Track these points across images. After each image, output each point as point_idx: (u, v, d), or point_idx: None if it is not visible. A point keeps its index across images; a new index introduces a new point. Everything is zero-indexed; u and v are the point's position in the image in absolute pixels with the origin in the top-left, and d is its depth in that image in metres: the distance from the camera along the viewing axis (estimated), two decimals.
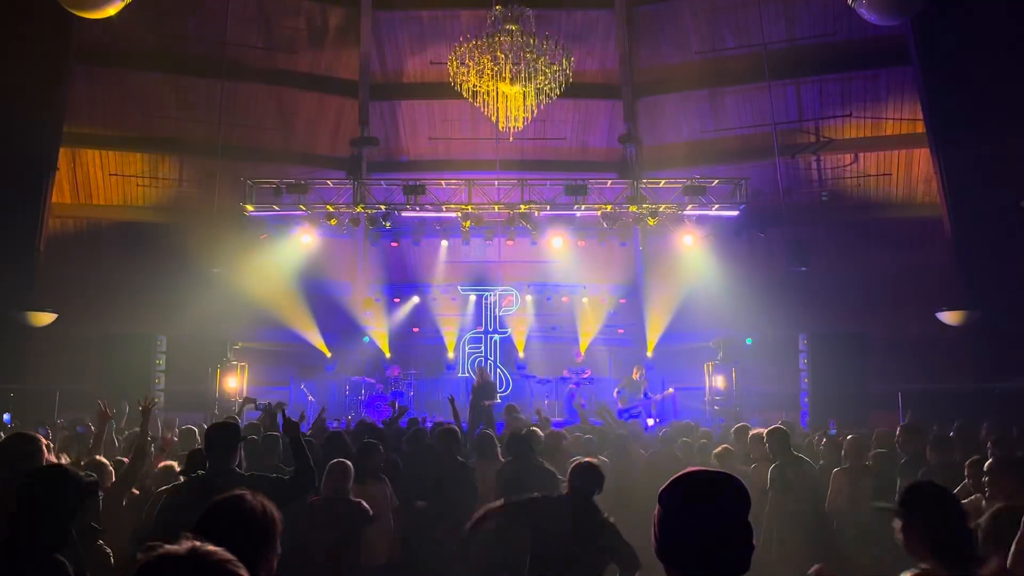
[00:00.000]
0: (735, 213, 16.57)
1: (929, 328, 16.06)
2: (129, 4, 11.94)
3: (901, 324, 16.78)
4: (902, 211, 17.44)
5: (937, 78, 15.13)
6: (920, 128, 16.16)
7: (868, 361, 14.69)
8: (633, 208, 16.42)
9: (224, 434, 4.58)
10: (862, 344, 14.85)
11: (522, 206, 16.27)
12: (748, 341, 16.60)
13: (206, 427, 5.69)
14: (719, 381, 16.44)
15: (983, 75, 14.64)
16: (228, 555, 1.42)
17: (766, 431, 6.53)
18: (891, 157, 17.23)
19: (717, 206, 16.49)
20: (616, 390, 16.01)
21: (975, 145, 14.93)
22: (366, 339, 18.78)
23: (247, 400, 11.35)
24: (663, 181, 17.07)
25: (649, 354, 18.65)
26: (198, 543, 1.42)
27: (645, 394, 16.11)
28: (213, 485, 4.11)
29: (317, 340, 18.46)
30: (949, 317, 15.65)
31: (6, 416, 11.75)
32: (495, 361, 18.83)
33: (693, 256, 18.05)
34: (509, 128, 14.47)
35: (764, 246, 18.01)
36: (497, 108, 14.40)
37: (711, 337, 17.28)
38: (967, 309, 15.47)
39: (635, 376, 16.15)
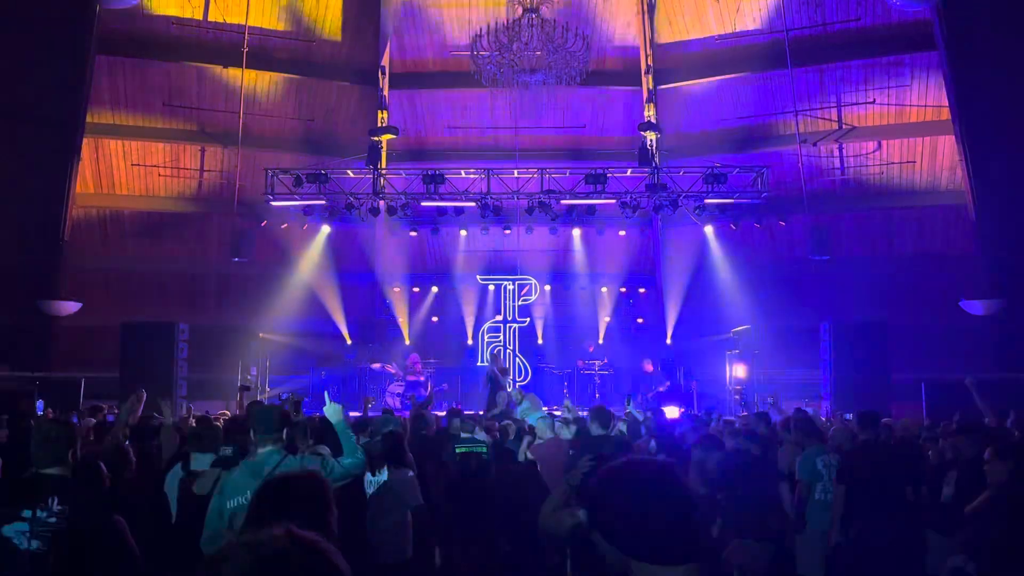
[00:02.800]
0: (756, 201, 16.44)
1: (953, 317, 15.92)
2: None
3: (924, 312, 16.63)
4: (926, 199, 17.25)
5: (963, 63, 14.91)
6: (945, 115, 15.94)
7: (890, 350, 14.54)
8: (653, 197, 16.33)
9: (272, 415, 4.60)
10: (884, 333, 14.70)
11: (541, 195, 16.22)
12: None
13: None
14: (740, 371, 16.37)
15: (1010, 60, 14.42)
16: (319, 537, 1.42)
17: (793, 418, 6.49)
18: (915, 144, 17.03)
19: (737, 194, 16.37)
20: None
21: (1002, 131, 14.72)
22: (384, 316, 18.84)
23: (243, 387, 11.47)
24: (683, 169, 16.97)
25: (668, 343, 18.61)
26: (292, 527, 1.41)
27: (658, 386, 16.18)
28: (263, 464, 4.18)
29: (337, 329, 18.57)
30: (974, 306, 15.51)
31: (39, 403, 11.91)
32: (513, 350, 18.83)
33: (712, 245, 18.00)
34: (528, 116, 14.47)
35: (785, 234, 17.89)
36: (517, 96, 14.40)
37: (731, 326, 17.21)
38: (992, 297, 15.32)
39: (648, 369, 16.16)
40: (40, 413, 11.00)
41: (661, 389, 16.20)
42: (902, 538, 5.48)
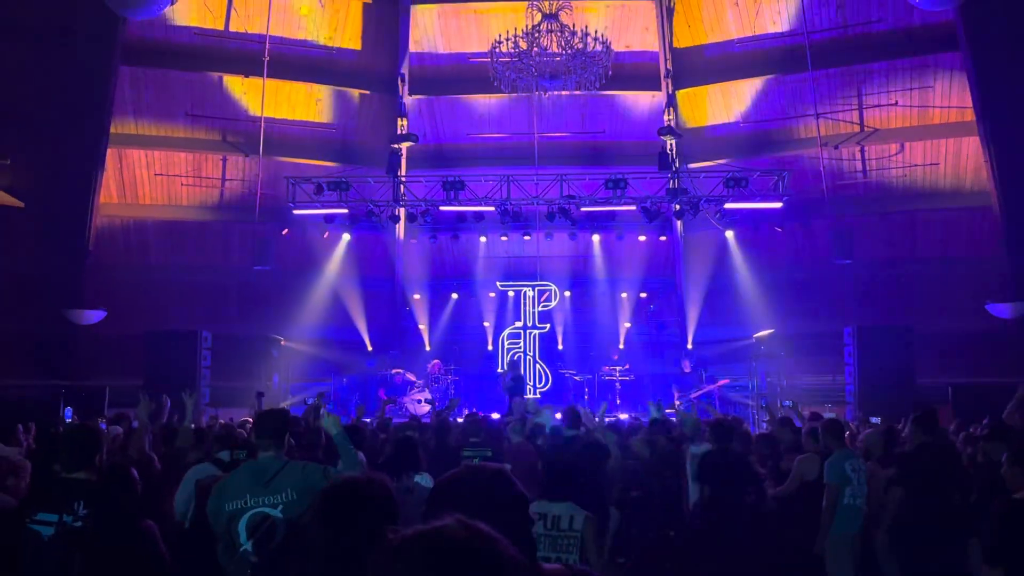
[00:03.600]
0: (778, 205, 16.34)
1: (979, 320, 15.72)
2: (173, 4, 12.13)
3: (949, 316, 16.43)
4: (950, 201, 17.04)
5: (987, 64, 14.75)
6: (969, 116, 15.77)
7: (915, 354, 14.37)
8: (673, 202, 16.28)
9: (274, 420, 4.62)
10: (909, 337, 14.53)
11: (561, 201, 16.22)
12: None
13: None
14: (763, 375, 16.26)
15: None
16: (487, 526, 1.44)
17: (821, 423, 6.42)
18: (939, 145, 16.84)
19: (759, 198, 16.27)
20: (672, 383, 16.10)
21: None
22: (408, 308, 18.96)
23: (259, 394, 11.60)
24: (703, 174, 16.91)
25: (689, 347, 18.52)
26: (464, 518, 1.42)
27: (702, 385, 16.14)
28: (264, 469, 4.19)
29: (358, 336, 18.67)
30: (1001, 309, 15.31)
31: (67, 411, 12.04)
32: (534, 356, 18.81)
33: (733, 249, 17.90)
34: (548, 121, 14.48)
35: (807, 238, 17.76)
36: (536, 101, 14.41)
37: (753, 331, 17.11)
38: (1019, 300, 15.11)
39: (687, 370, 16.13)
40: (68, 420, 11.11)
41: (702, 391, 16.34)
42: (951, 544, 5.48)
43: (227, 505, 4.11)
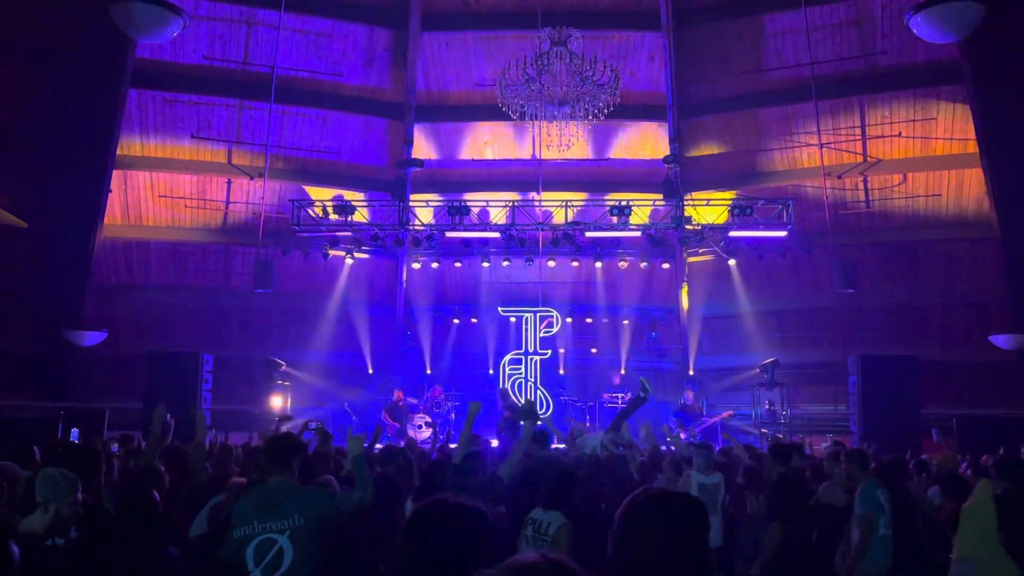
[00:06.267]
0: (782, 234, 16.39)
1: (982, 351, 15.74)
2: (184, 29, 12.21)
3: (952, 346, 16.45)
4: (953, 231, 17.11)
5: (990, 96, 14.91)
6: (971, 148, 15.90)
7: (919, 385, 14.34)
8: (677, 229, 16.34)
9: (284, 445, 4.58)
10: (913, 366, 14.51)
11: (565, 227, 16.26)
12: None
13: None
14: (766, 405, 16.20)
15: None
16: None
17: (845, 451, 6.39)
18: (941, 177, 16.96)
19: (763, 227, 16.33)
20: (674, 412, 15.93)
21: None
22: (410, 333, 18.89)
23: (283, 418, 11.40)
24: (708, 202, 16.97)
25: (691, 373, 18.48)
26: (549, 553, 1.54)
27: (703, 416, 16.00)
28: (272, 493, 4.18)
29: (361, 360, 18.60)
30: (1004, 340, 15.32)
31: (74, 431, 11.97)
32: (535, 383, 18.74)
33: (736, 277, 17.91)
34: (554, 149, 14.53)
35: (810, 267, 17.80)
36: (543, 129, 14.47)
37: (755, 360, 17.07)
38: (1021, 332, 15.12)
39: (689, 401, 16.07)
40: (74, 441, 11.00)
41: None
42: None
43: (236, 531, 4.08)
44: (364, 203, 16.81)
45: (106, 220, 17.15)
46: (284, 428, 8.66)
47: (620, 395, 17.87)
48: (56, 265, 16.19)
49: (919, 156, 17.00)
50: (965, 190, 16.81)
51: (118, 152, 16.63)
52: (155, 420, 6.28)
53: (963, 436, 12.78)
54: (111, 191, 16.87)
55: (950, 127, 16.49)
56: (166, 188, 18.00)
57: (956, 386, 15.98)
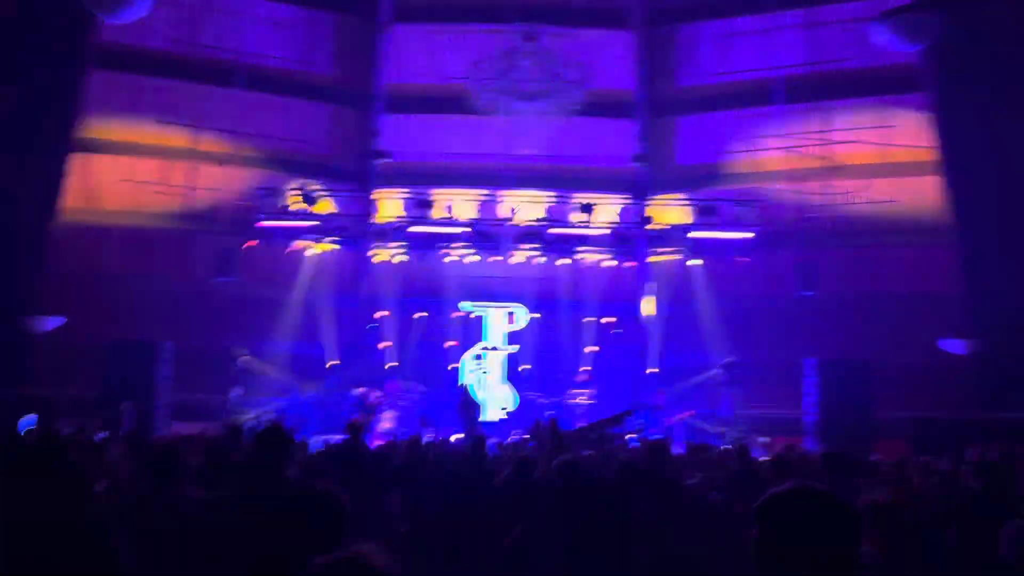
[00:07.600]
0: (749, 235, 16.60)
1: (937, 355, 16.07)
2: (152, 11, 12.03)
3: (909, 351, 16.77)
4: (910, 237, 17.43)
5: (949, 105, 15.23)
6: (930, 155, 16.22)
7: (874, 387, 14.63)
8: (643, 228, 16.47)
9: (273, 438, 4.57)
10: (868, 369, 14.80)
11: (531, 223, 16.31)
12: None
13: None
14: (723, 404, 16.40)
15: (996, 102, 14.72)
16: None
17: (821, 453, 6.49)
18: (901, 183, 17.27)
19: (728, 228, 16.52)
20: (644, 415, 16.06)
21: (986, 173, 14.99)
22: (373, 325, 18.75)
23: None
24: (673, 201, 17.12)
25: (652, 371, 18.63)
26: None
27: (657, 413, 16.10)
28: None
29: (322, 351, 18.45)
30: (954, 344, 15.67)
31: (32, 417, 11.71)
32: (499, 378, 18.77)
33: (699, 278, 18.09)
34: (521, 144, 14.60)
35: (771, 269, 18.03)
36: (510, 124, 14.52)
37: (714, 360, 17.26)
38: (973, 337, 15.48)
39: (660, 401, 16.22)
40: (31, 428, 10.75)
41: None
42: None
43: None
44: (329, 193, 16.68)
45: (67, 204, 16.81)
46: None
47: (585, 391, 17.95)
48: (12, 249, 15.84)
49: (880, 163, 17.30)
50: (924, 197, 17.13)
51: (80, 135, 16.32)
52: (124, 416, 6.22)
53: (918, 439, 13.10)
54: (70, 174, 16.54)
55: (909, 134, 16.80)
56: (128, 172, 17.68)
57: (911, 389, 16.28)
